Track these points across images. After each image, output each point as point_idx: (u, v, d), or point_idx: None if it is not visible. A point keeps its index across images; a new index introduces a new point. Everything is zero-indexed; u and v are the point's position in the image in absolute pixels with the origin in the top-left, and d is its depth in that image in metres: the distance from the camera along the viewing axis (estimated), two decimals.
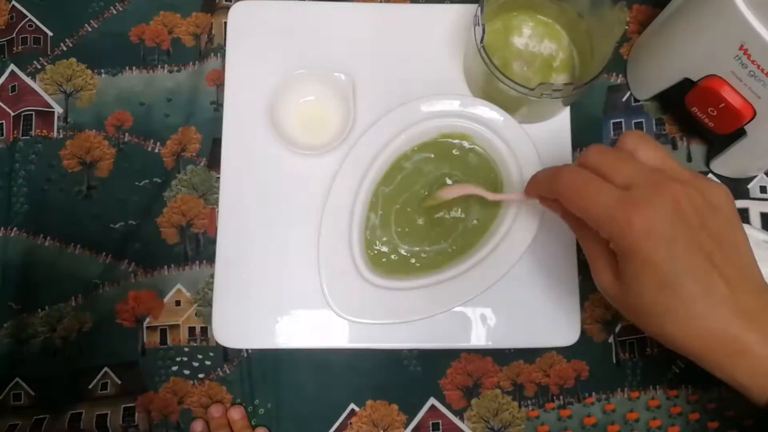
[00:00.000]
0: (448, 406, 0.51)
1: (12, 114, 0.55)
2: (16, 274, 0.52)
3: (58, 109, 0.55)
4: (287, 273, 0.51)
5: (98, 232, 0.53)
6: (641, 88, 0.54)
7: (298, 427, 0.51)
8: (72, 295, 0.52)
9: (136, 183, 0.54)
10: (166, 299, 0.52)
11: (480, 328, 0.50)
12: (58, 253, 0.53)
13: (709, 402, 0.52)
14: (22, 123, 0.55)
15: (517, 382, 0.52)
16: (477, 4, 0.45)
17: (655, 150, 0.35)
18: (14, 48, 0.56)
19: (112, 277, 0.52)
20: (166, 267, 0.53)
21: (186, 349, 0.52)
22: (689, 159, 0.55)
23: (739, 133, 0.47)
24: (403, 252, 0.50)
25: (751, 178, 0.54)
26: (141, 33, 0.57)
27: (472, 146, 0.51)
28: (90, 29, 0.57)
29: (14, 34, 0.56)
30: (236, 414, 0.50)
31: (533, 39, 0.52)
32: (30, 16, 0.57)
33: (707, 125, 0.49)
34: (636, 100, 0.55)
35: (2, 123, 0.55)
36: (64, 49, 0.56)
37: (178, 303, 0.52)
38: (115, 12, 0.57)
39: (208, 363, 0.52)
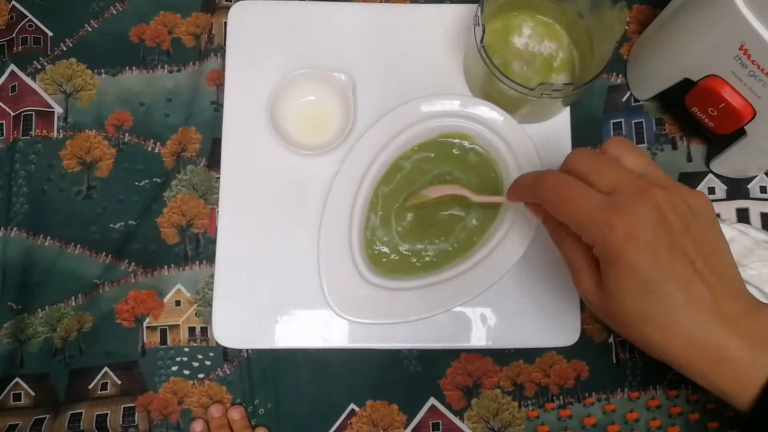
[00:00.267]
0: (448, 406, 0.51)
1: (12, 114, 0.55)
2: (16, 274, 0.52)
3: (58, 109, 0.55)
4: (287, 273, 0.51)
5: (98, 232, 0.53)
6: (641, 88, 0.54)
7: (298, 427, 0.51)
8: (72, 295, 0.52)
9: (136, 183, 0.54)
10: (166, 299, 0.52)
11: (480, 328, 0.50)
12: (58, 253, 0.53)
13: (709, 402, 0.52)
14: (22, 123, 0.55)
15: (517, 382, 0.52)
16: (477, 4, 0.45)
17: (639, 156, 0.35)
18: (14, 48, 0.56)
19: (112, 277, 0.52)
20: (166, 267, 0.53)
21: (186, 349, 0.52)
22: (689, 159, 0.55)
23: (739, 133, 0.47)
24: (403, 251, 0.50)
25: (751, 178, 0.54)
26: (141, 33, 0.57)
27: (472, 146, 0.51)
28: (90, 29, 0.57)
29: (14, 34, 0.56)
30: (236, 414, 0.50)
31: (533, 39, 0.52)
32: (30, 16, 0.57)
33: (707, 125, 0.49)
34: (636, 100, 0.55)
35: (2, 123, 0.55)
36: (64, 49, 0.56)
37: (178, 303, 0.52)
38: (115, 12, 0.57)
39: (208, 363, 0.52)
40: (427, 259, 0.49)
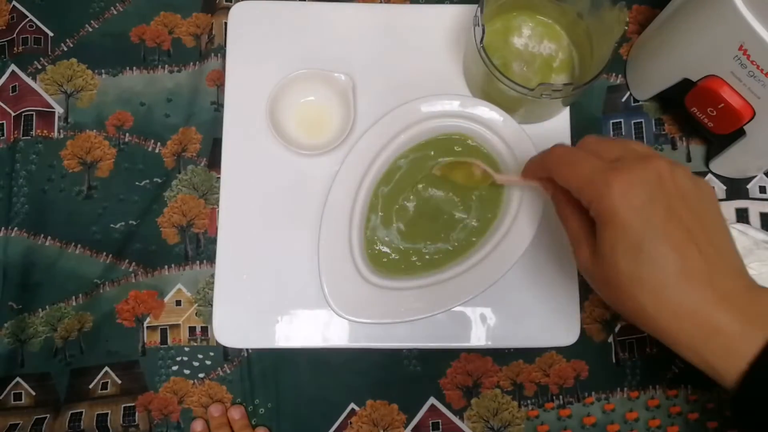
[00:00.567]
0: (448, 406, 0.51)
1: (13, 114, 0.55)
2: (17, 274, 0.53)
3: (58, 110, 0.55)
4: (287, 273, 0.51)
5: (99, 232, 0.53)
6: (641, 89, 0.54)
7: (298, 427, 0.51)
8: (72, 294, 0.52)
9: (137, 183, 0.54)
10: (166, 299, 0.52)
11: (480, 328, 0.50)
12: (58, 253, 0.53)
13: (708, 402, 0.52)
14: (22, 123, 0.55)
15: (517, 381, 0.52)
16: (477, 5, 0.45)
17: (646, 145, 0.36)
18: (15, 48, 0.56)
19: (113, 277, 0.52)
20: (166, 267, 0.53)
21: (186, 349, 0.52)
22: (689, 159, 0.55)
23: (739, 134, 0.47)
24: (403, 250, 0.50)
25: (750, 178, 0.54)
26: (141, 33, 0.57)
27: (472, 145, 0.51)
28: (90, 29, 0.57)
29: (15, 35, 0.56)
30: (236, 413, 0.50)
31: (533, 39, 0.52)
32: (30, 16, 0.57)
33: (706, 125, 0.49)
34: (635, 101, 0.55)
35: (3, 123, 0.55)
36: (65, 49, 0.56)
37: (178, 303, 0.52)
38: (115, 12, 0.57)
39: (208, 363, 0.52)
40: (427, 258, 0.50)
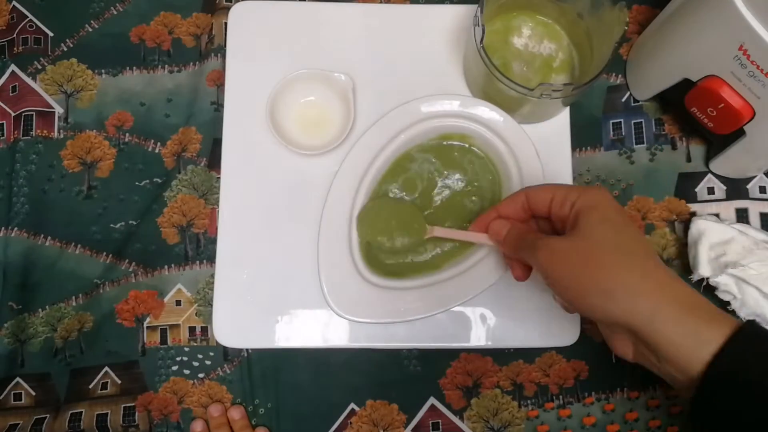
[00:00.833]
0: (448, 406, 0.51)
1: (13, 114, 0.55)
2: (17, 274, 0.53)
3: (58, 110, 0.55)
4: (287, 273, 0.51)
5: (99, 232, 0.53)
6: (641, 89, 0.54)
7: (298, 427, 0.51)
8: (72, 294, 0.52)
9: (137, 183, 0.54)
10: (166, 299, 0.52)
11: (480, 328, 0.50)
12: (58, 253, 0.53)
13: None
14: (22, 123, 0.55)
15: (517, 381, 0.52)
16: (477, 5, 0.45)
17: None
18: (15, 48, 0.56)
19: (113, 277, 0.52)
20: (166, 267, 0.53)
21: (186, 349, 0.52)
22: (689, 159, 0.55)
23: (739, 134, 0.47)
24: (403, 250, 0.50)
25: (750, 178, 0.54)
26: (141, 33, 0.57)
27: (471, 147, 0.51)
28: (90, 29, 0.57)
29: (15, 35, 0.56)
30: (236, 413, 0.50)
31: (533, 39, 0.52)
32: (30, 16, 0.57)
33: (706, 125, 0.49)
34: (635, 101, 0.55)
35: (3, 123, 0.55)
36: (65, 49, 0.56)
37: (178, 303, 0.52)
38: (115, 12, 0.57)
39: (208, 363, 0.52)
40: (427, 258, 0.50)
